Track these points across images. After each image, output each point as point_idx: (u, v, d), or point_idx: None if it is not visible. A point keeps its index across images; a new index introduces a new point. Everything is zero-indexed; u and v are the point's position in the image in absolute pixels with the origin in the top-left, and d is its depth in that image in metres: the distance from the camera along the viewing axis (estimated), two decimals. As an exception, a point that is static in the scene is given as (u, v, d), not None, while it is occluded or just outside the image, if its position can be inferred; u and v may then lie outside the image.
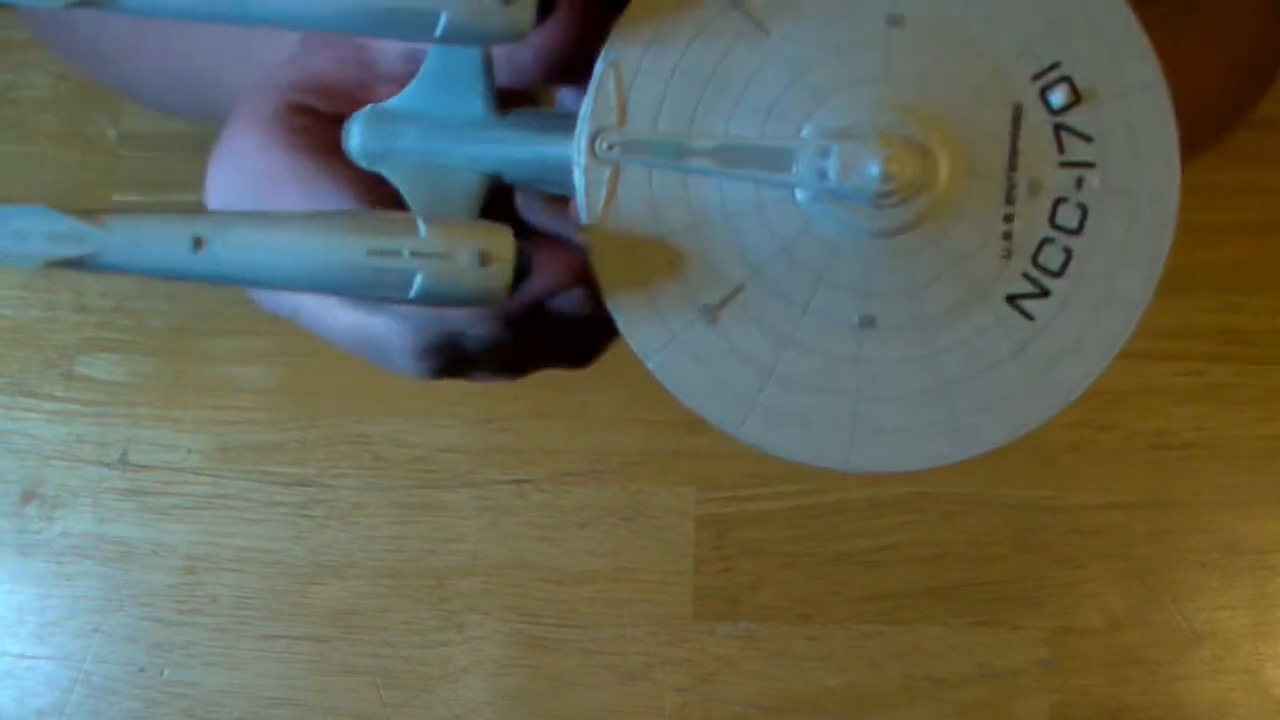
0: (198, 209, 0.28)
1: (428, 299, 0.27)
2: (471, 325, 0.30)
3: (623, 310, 0.29)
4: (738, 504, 0.69)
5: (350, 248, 0.27)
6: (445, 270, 0.27)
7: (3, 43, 0.75)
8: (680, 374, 0.29)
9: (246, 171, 0.32)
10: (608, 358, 0.66)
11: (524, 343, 0.32)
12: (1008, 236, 0.28)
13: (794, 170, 0.28)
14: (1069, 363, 0.29)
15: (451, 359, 0.32)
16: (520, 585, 0.68)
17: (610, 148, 0.29)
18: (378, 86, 0.32)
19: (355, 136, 0.29)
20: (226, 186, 0.32)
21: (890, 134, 0.28)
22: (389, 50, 0.31)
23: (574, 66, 0.29)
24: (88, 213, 0.27)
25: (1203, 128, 0.48)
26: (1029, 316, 0.29)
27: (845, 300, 0.28)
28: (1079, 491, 0.69)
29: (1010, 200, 0.28)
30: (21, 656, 0.69)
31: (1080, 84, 0.28)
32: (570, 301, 0.31)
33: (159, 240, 0.27)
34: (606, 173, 0.29)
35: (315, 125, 0.32)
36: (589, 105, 0.29)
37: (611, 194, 0.29)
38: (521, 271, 0.27)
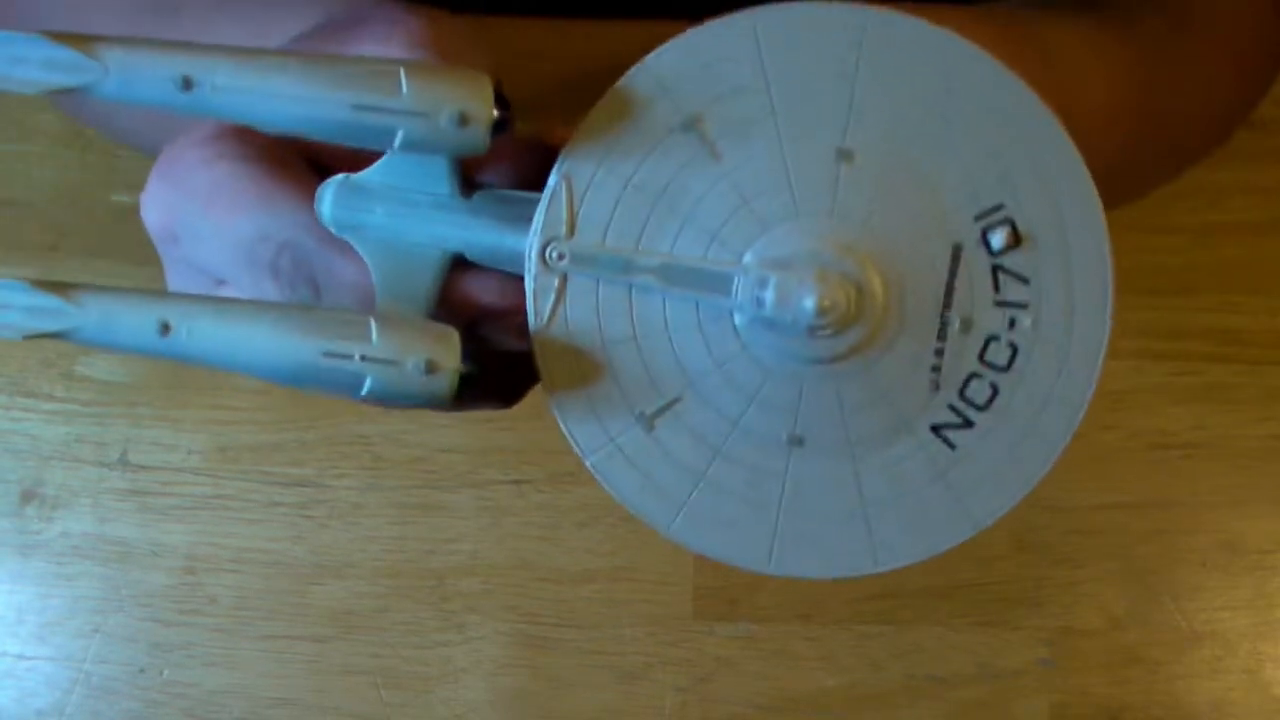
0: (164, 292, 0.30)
1: (376, 400, 0.28)
2: None
3: (564, 410, 0.30)
4: (737, 504, 0.69)
5: (306, 348, 0.28)
6: (393, 376, 0.28)
7: (2, 43, 0.75)
8: (616, 474, 0.30)
9: (193, 185, 0.32)
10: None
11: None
12: (936, 369, 0.29)
13: (733, 294, 0.29)
14: (985, 492, 0.30)
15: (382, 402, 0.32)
16: (520, 585, 0.68)
17: (560, 258, 0.30)
18: None
19: (326, 205, 0.31)
20: (170, 200, 0.33)
21: (827, 270, 0.28)
22: None
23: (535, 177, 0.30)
24: (65, 288, 0.28)
25: (1204, 134, 0.48)
26: (951, 445, 0.30)
27: (776, 419, 0.30)
28: (1079, 491, 0.69)
29: (942, 336, 0.29)
30: (21, 656, 0.69)
31: (1021, 227, 0.29)
32: (502, 333, 0.32)
33: (129, 322, 0.29)
34: (555, 281, 0.30)
35: (261, 140, 0.32)
36: (541, 217, 0.30)
37: (559, 300, 0.30)
38: (469, 378, 0.29)
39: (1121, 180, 0.44)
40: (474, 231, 0.30)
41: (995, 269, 0.29)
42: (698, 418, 0.30)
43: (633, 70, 0.30)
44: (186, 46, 0.28)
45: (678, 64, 0.29)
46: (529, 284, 0.30)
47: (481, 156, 0.30)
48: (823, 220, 0.29)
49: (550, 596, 0.68)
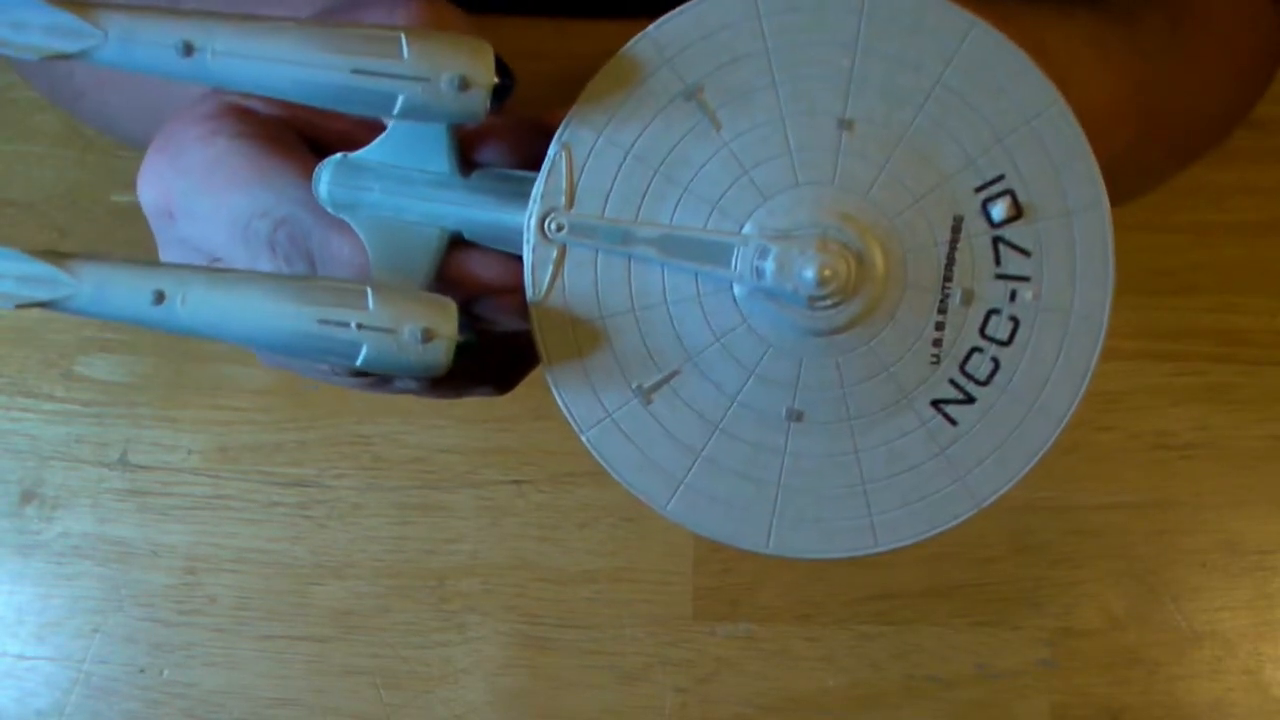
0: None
1: (372, 368, 0.28)
2: None
3: (560, 383, 0.30)
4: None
5: (302, 315, 0.28)
6: (389, 344, 0.28)
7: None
8: (612, 449, 0.31)
9: (190, 161, 0.32)
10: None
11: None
12: (938, 344, 0.29)
13: (733, 266, 0.29)
14: (988, 469, 0.30)
15: (376, 381, 0.32)
16: (520, 585, 0.68)
17: (559, 229, 0.29)
18: None
19: (323, 184, 0.30)
20: (167, 176, 0.33)
21: (828, 239, 0.28)
22: None
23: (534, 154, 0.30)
24: (60, 257, 0.28)
25: (1204, 132, 0.48)
26: (952, 421, 0.29)
27: (775, 393, 0.29)
28: (1078, 492, 0.69)
29: (943, 309, 0.29)
30: (21, 656, 0.69)
31: (1022, 199, 0.29)
32: (499, 311, 0.31)
33: (123, 291, 0.28)
34: (554, 252, 0.30)
35: (258, 119, 0.32)
36: (540, 186, 0.29)
37: (557, 272, 0.30)
38: (466, 347, 0.29)
39: (1125, 177, 0.44)
40: (472, 209, 0.30)
41: (996, 241, 0.29)
42: (696, 392, 0.29)
43: (635, 39, 0.30)
44: (187, 13, 0.28)
45: (680, 33, 0.29)
46: (527, 255, 0.29)
47: (482, 132, 0.30)
48: (823, 190, 0.29)
49: (550, 596, 0.68)
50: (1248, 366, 0.70)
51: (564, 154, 0.29)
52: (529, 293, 0.30)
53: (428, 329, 0.28)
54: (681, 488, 0.30)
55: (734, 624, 0.68)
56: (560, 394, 0.30)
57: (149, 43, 0.27)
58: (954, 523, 0.30)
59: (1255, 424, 0.70)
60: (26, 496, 0.70)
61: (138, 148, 0.46)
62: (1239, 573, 0.68)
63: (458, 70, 0.27)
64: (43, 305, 0.28)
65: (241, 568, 0.69)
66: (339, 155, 0.30)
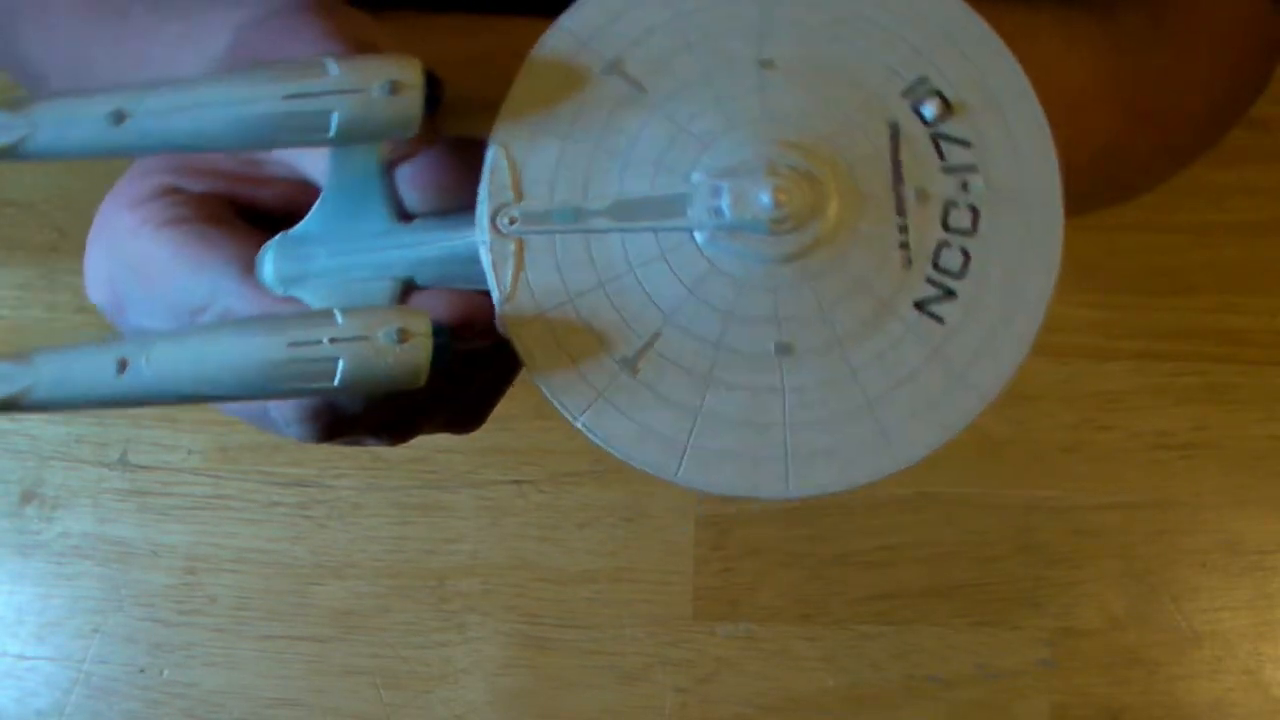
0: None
1: (353, 383, 0.28)
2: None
3: (544, 376, 0.30)
4: (738, 504, 0.69)
5: (270, 344, 0.27)
6: (366, 353, 0.27)
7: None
8: (609, 428, 0.30)
9: (124, 254, 0.32)
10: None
11: (405, 405, 0.32)
12: (904, 246, 0.29)
13: (689, 214, 0.29)
14: (984, 362, 0.30)
15: (332, 422, 0.32)
16: (520, 585, 0.68)
17: (511, 222, 0.29)
18: (257, 166, 0.32)
19: (268, 265, 0.30)
20: (108, 271, 0.32)
21: (776, 165, 0.29)
22: None
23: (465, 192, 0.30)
24: (12, 355, 0.28)
25: (1197, 130, 0.48)
26: (939, 320, 0.29)
27: (759, 331, 0.29)
28: (1079, 491, 0.69)
29: (901, 211, 0.29)
30: (21, 657, 0.69)
31: (951, 97, 0.30)
32: (465, 344, 0.31)
33: (85, 369, 0.28)
34: (511, 247, 0.29)
35: (188, 199, 0.32)
36: (485, 187, 0.30)
37: (519, 266, 0.29)
38: (441, 349, 0.28)
39: (1115, 173, 0.44)
40: (419, 248, 0.30)
41: (935, 138, 0.30)
42: (680, 349, 0.29)
43: (548, 33, 0.30)
44: (112, 86, 0.28)
45: (590, 19, 0.30)
46: (485, 257, 0.29)
47: (416, 162, 0.30)
48: (758, 126, 0.29)
49: (550, 596, 0.68)
50: (1248, 366, 0.70)
51: (502, 152, 0.30)
52: (495, 294, 0.29)
53: (402, 329, 0.28)
54: (688, 450, 0.30)
55: (734, 624, 0.68)
56: (546, 386, 0.30)
57: (79, 121, 0.28)
58: (966, 421, 0.30)
59: (1255, 424, 0.70)
60: (26, 496, 0.70)
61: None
62: (1239, 573, 0.68)
63: (387, 76, 0.28)
64: (4, 405, 0.27)
65: (241, 568, 0.69)
66: (279, 235, 0.30)
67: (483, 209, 0.30)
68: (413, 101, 0.28)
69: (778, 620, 0.68)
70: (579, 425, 0.29)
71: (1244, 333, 0.71)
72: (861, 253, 0.29)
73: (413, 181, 0.31)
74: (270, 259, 0.30)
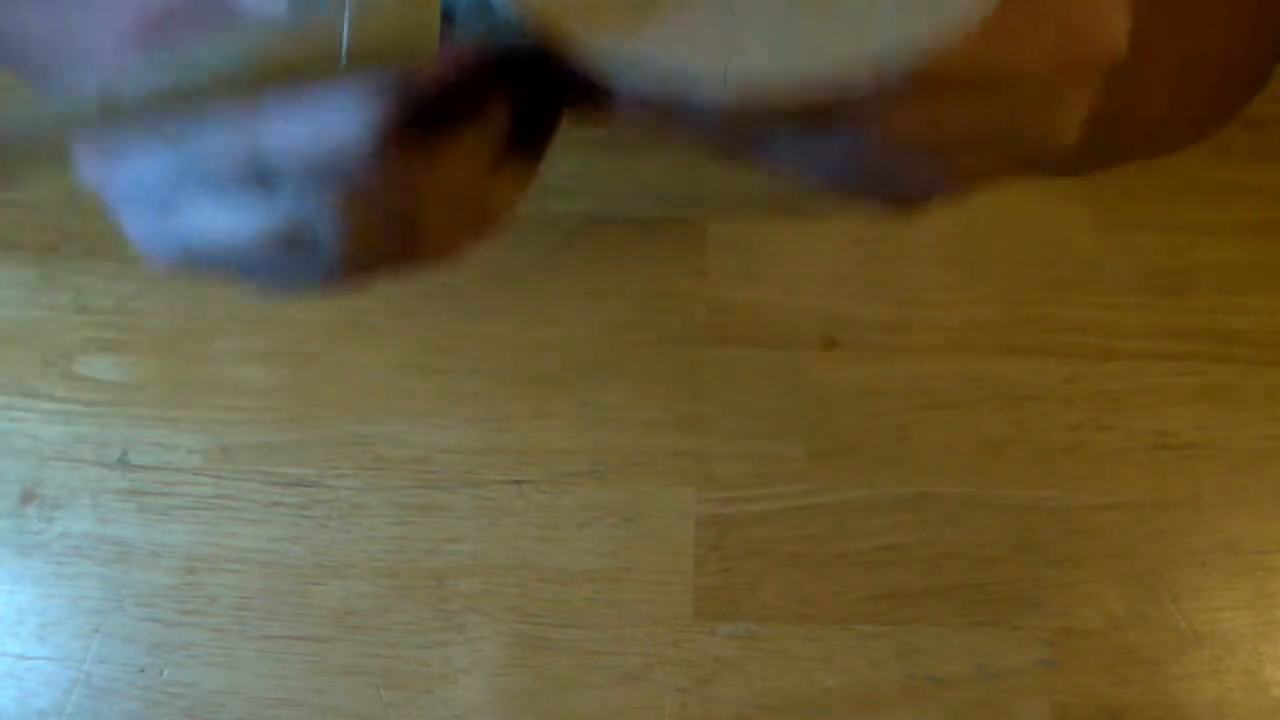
0: None
1: (361, 50, 0.25)
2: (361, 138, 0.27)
3: (565, 25, 0.26)
4: (738, 504, 0.69)
5: (270, 4, 0.25)
6: (371, 8, 0.25)
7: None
8: (646, 47, 0.26)
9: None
10: (610, 356, 0.66)
11: (405, 176, 0.28)
12: None
13: None
14: None
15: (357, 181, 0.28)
16: (520, 585, 0.68)
17: None
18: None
19: None
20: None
21: None
22: None
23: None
24: None
25: (1210, 86, 0.46)
26: None
27: None
28: (1079, 491, 0.69)
29: None
30: (21, 657, 0.69)
31: None
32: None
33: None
34: None
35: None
36: None
37: None
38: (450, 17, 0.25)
39: (1121, 119, 0.41)
40: None
41: None
42: None
43: None
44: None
45: None
46: None
47: None
48: None
49: (550, 596, 0.68)
50: (1248, 366, 0.70)
51: None
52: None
53: None
54: (735, 45, 0.26)
55: (734, 624, 0.68)
56: (567, 33, 0.26)
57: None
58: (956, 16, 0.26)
59: (1255, 424, 0.70)
60: (26, 496, 0.70)
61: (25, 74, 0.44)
62: (1239, 573, 0.68)
63: None
64: None
65: (241, 568, 0.69)
66: None
67: None
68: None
69: (778, 620, 0.68)
70: (613, 57, 0.26)
71: (1244, 333, 0.71)
72: None
73: None
74: None
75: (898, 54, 0.26)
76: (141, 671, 0.68)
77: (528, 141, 0.32)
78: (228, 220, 0.29)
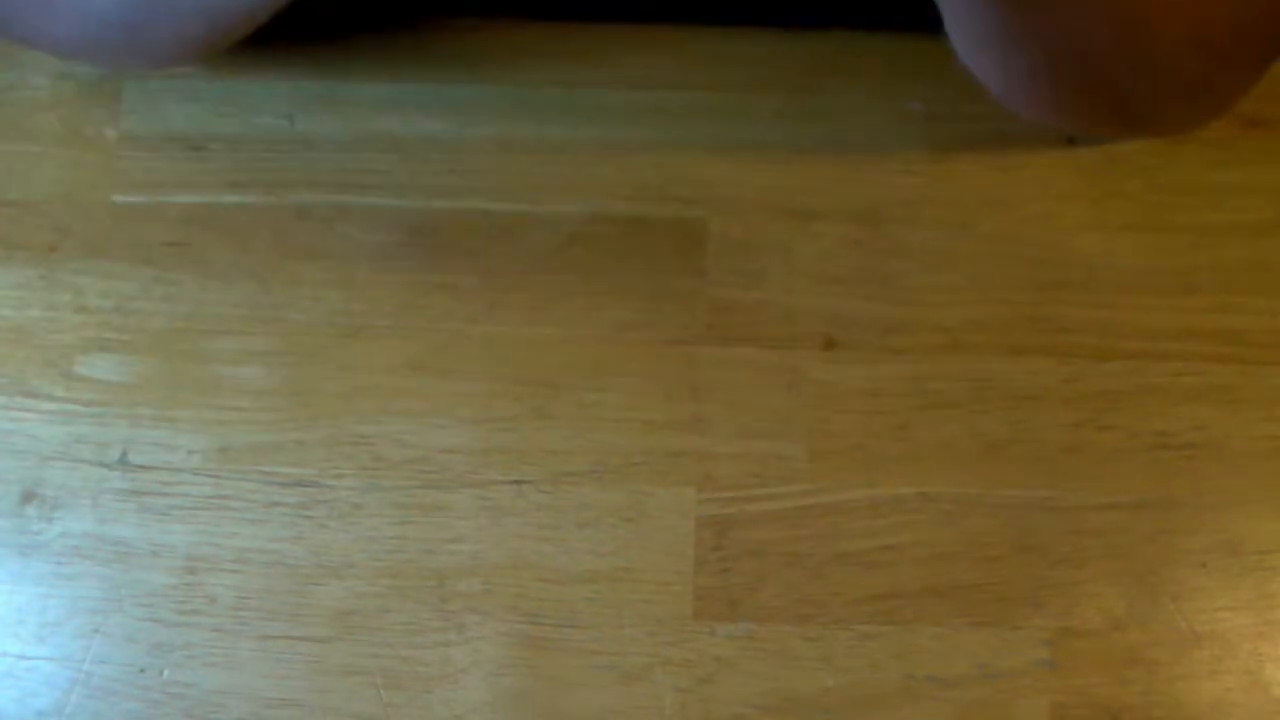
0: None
1: None
2: None
3: None
4: (738, 504, 0.69)
5: None
6: None
7: (2, 44, 0.75)
8: None
9: None
10: (610, 356, 0.66)
11: None
12: None
13: None
14: None
15: None
16: (520, 585, 0.68)
17: None
18: None
19: None
20: None
21: None
22: None
23: None
24: None
25: (1228, 34, 0.45)
26: None
27: None
28: (1079, 491, 0.69)
29: None
30: (21, 657, 0.69)
31: None
32: None
33: None
34: None
35: None
36: None
37: None
38: None
39: (1142, 53, 0.41)
40: None
41: None
42: None
43: None
44: None
45: None
46: None
47: None
48: None
49: (550, 596, 0.68)
50: (1248, 366, 0.70)
51: None
52: None
53: None
54: None
55: (734, 624, 0.68)
56: None
57: None
58: None
59: (1255, 424, 0.70)
60: (26, 496, 0.70)
61: (88, 62, 0.42)
62: (1239, 573, 0.68)
63: None
64: None
65: (241, 568, 0.69)
66: None
67: None
68: None
69: (778, 620, 0.68)
70: None
71: (1244, 333, 0.71)
72: None
73: None
74: None
75: None
76: (141, 671, 0.68)
77: None
78: None
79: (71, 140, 0.74)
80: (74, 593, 0.69)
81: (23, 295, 0.72)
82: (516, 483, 0.69)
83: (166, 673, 0.68)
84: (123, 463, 0.70)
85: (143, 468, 0.70)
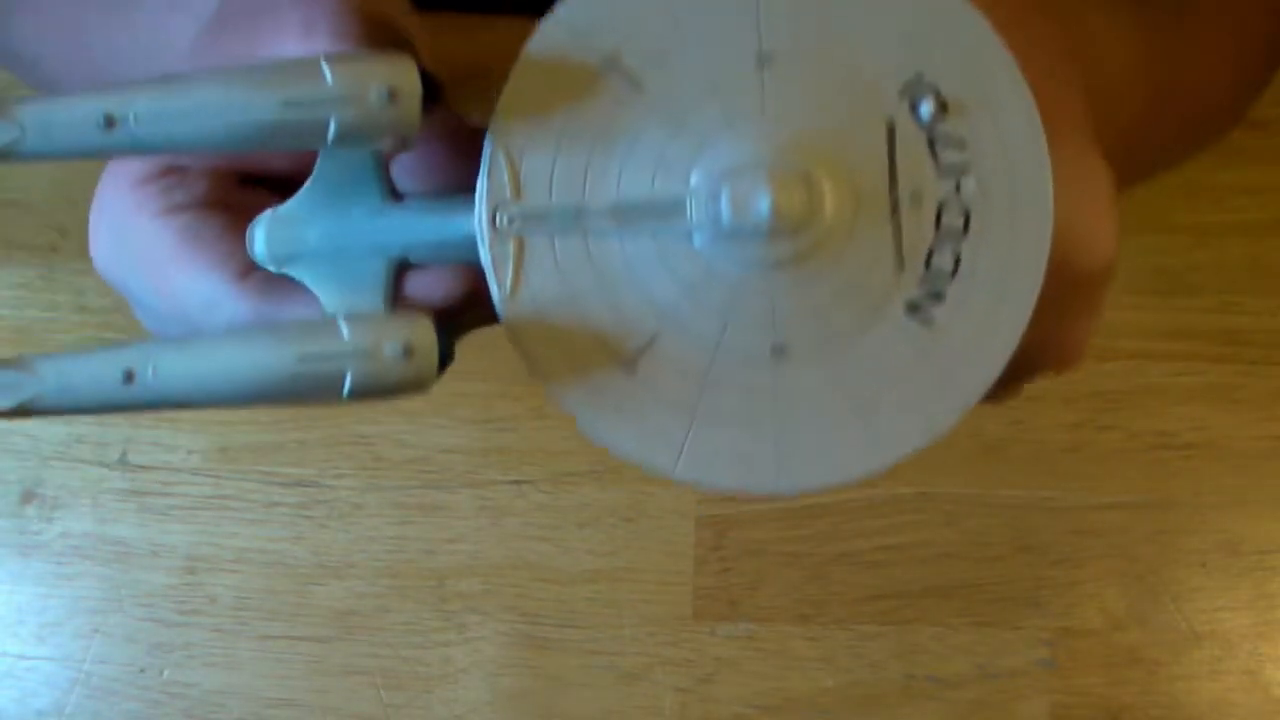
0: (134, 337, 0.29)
1: (359, 394, 0.28)
2: None
3: (547, 377, 0.30)
4: (738, 504, 0.69)
5: (283, 358, 0.28)
6: (372, 368, 0.28)
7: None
8: (608, 428, 0.30)
9: (125, 241, 0.32)
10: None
11: None
12: (898, 248, 0.30)
13: (689, 216, 0.29)
14: (970, 365, 0.30)
15: None
16: (520, 585, 0.68)
17: (510, 221, 0.30)
18: None
19: (259, 243, 0.30)
20: (111, 250, 0.32)
21: (775, 169, 0.29)
22: None
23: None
24: (16, 360, 0.28)
25: (1212, 113, 0.47)
26: (928, 322, 0.30)
27: (755, 334, 0.30)
28: (1079, 491, 0.69)
29: (896, 213, 0.29)
30: (21, 657, 0.69)
31: (946, 93, 0.30)
32: (462, 326, 0.31)
33: (90, 378, 0.28)
34: (511, 246, 0.30)
35: (187, 183, 0.31)
36: (483, 184, 0.29)
37: (519, 266, 0.30)
38: (444, 358, 0.29)
39: (1137, 151, 0.44)
40: (414, 229, 0.30)
41: (930, 139, 0.30)
42: (677, 350, 0.30)
43: (542, 24, 0.30)
44: (102, 88, 0.27)
45: (585, 10, 0.30)
46: (484, 254, 0.29)
47: (411, 149, 0.30)
48: (757, 124, 0.29)
49: (550, 596, 0.68)
50: (1248, 366, 0.70)
51: (500, 149, 0.30)
52: (495, 294, 0.30)
53: (408, 344, 0.28)
54: (685, 449, 0.30)
55: (734, 624, 0.68)
56: (547, 387, 0.30)
57: (69, 125, 0.27)
58: (952, 423, 0.30)
59: (1255, 424, 0.70)
60: (27, 496, 0.70)
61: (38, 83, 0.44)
62: (1239, 573, 0.68)
63: (384, 82, 0.27)
64: (10, 414, 0.28)
65: (241, 568, 0.69)
66: (268, 211, 0.30)
67: (480, 207, 0.30)
68: (410, 108, 0.28)
69: (778, 620, 0.68)
70: (580, 425, 0.30)
71: (1244, 333, 0.71)
72: (855, 255, 0.29)
73: (408, 171, 0.31)
74: (261, 236, 0.30)
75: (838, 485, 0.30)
76: (141, 671, 0.68)
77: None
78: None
79: (71, 140, 0.74)
80: (74, 593, 0.69)
81: (23, 295, 0.72)
82: (516, 483, 0.69)
83: (166, 673, 0.68)
84: (123, 462, 0.70)
85: (143, 468, 0.70)
